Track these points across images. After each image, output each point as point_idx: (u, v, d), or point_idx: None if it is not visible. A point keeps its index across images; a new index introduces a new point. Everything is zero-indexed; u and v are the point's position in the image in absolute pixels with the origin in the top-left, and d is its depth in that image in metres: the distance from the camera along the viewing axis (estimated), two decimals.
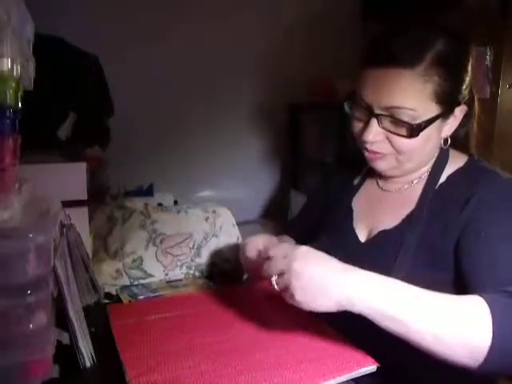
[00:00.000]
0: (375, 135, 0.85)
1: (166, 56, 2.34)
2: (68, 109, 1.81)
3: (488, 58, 1.85)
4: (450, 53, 0.83)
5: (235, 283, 1.16)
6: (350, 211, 1.00)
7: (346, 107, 0.91)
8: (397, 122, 0.83)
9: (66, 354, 0.74)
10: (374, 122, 0.85)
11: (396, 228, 0.89)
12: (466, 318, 0.65)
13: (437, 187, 0.88)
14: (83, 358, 0.75)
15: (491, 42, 1.85)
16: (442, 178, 0.89)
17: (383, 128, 0.85)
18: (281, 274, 0.72)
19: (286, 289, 0.71)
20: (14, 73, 0.66)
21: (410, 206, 0.89)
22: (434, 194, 0.88)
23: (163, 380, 0.69)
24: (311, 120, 2.62)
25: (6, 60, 0.63)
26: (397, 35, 0.85)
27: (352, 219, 0.98)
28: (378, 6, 2.55)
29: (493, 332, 0.64)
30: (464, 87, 0.86)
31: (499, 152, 1.80)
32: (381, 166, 0.90)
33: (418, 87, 0.81)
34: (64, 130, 1.78)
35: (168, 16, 2.32)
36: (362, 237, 0.95)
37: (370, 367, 0.72)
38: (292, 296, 0.70)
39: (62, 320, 0.74)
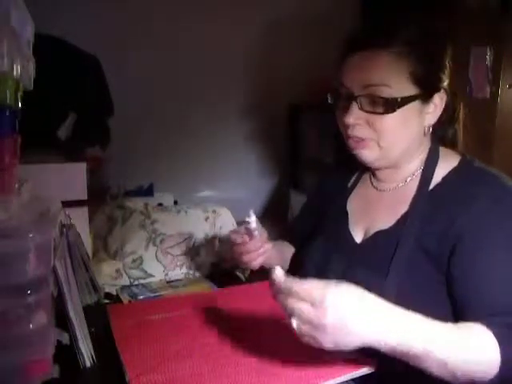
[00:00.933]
0: (356, 118, 0.87)
1: (166, 56, 2.33)
2: (68, 109, 1.81)
3: (488, 58, 1.85)
4: (423, 36, 0.87)
5: (235, 283, 1.16)
6: (345, 213, 0.99)
7: (330, 98, 0.93)
8: (375, 101, 0.85)
9: (66, 353, 0.74)
10: (353, 104, 0.86)
11: (391, 228, 0.88)
12: (477, 353, 0.68)
13: (432, 187, 0.88)
14: (83, 358, 0.75)
15: (491, 42, 1.84)
16: (437, 178, 0.88)
17: (362, 110, 0.86)
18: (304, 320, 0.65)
19: (309, 335, 0.65)
20: (14, 73, 0.66)
21: (405, 205, 0.89)
22: (429, 195, 0.87)
23: (163, 380, 0.69)
24: (311, 120, 2.61)
25: (5, 60, 0.62)
26: (369, 23, 0.91)
27: (347, 221, 0.98)
28: (377, 6, 2.55)
29: (501, 361, 0.67)
30: (443, 76, 0.88)
31: (499, 152, 1.80)
32: (365, 154, 0.90)
33: (393, 65, 0.84)
34: (64, 130, 1.78)
35: (168, 16, 2.32)
36: (358, 238, 0.94)
37: (369, 368, 0.72)
38: (317, 342, 0.65)
39: (62, 320, 0.74)
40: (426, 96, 0.87)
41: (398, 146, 0.88)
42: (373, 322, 0.66)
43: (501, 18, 1.81)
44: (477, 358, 0.68)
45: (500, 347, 0.67)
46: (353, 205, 1.00)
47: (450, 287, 0.79)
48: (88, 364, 0.75)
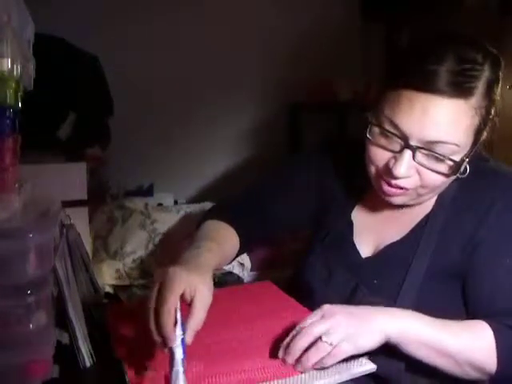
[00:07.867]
0: (408, 170, 0.73)
1: (166, 56, 2.34)
2: (68, 109, 1.81)
3: None
4: (495, 79, 0.74)
5: (235, 283, 1.16)
6: (350, 224, 0.90)
7: (369, 133, 0.76)
8: (434, 157, 0.73)
9: (66, 354, 0.74)
10: (407, 154, 0.72)
11: (405, 238, 0.83)
12: (478, 346, 0.71)
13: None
14: (83, 358, 0.75)
15: (491, 42, 1.85)
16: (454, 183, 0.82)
17: (417, 162, 0.73)
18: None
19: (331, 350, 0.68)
20: (14, 73, 0.66)
21: (420, 217, 0.83)
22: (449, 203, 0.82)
23: (163, 380, 0.69)
24: (311, 121, 2.61)
25: (6, 60, 0.63)
26: (444, 54, 0.71)
27: (352, 233, 0.89)
28: (377, 6, 2.55)
29: (497, 355, 0.70)
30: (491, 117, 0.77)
31: (499, 152, 1.80)
32: (399, 200, 0.79)
33: (467, 121, 0.72)
34: (64, 129, 1.78)
35: (168, 16, 2.32)
36: (364, 252, 0.87)
37: (369, 367, 0.72)
38: (340, 350, 0.68)
39: (62, 320, 0.74)
40: (476, 145, 0.77)
41: (435, 192, 0.80)
42: (377, 310, 0.72)
43: (500, 18, 1.81)
44: (479, 346, 0.71)
45: (496, 342, 0.70)
46: (359, 215, 0.91)
47: (465, 293, 0.79)
48: (88, 364, 0.75)
